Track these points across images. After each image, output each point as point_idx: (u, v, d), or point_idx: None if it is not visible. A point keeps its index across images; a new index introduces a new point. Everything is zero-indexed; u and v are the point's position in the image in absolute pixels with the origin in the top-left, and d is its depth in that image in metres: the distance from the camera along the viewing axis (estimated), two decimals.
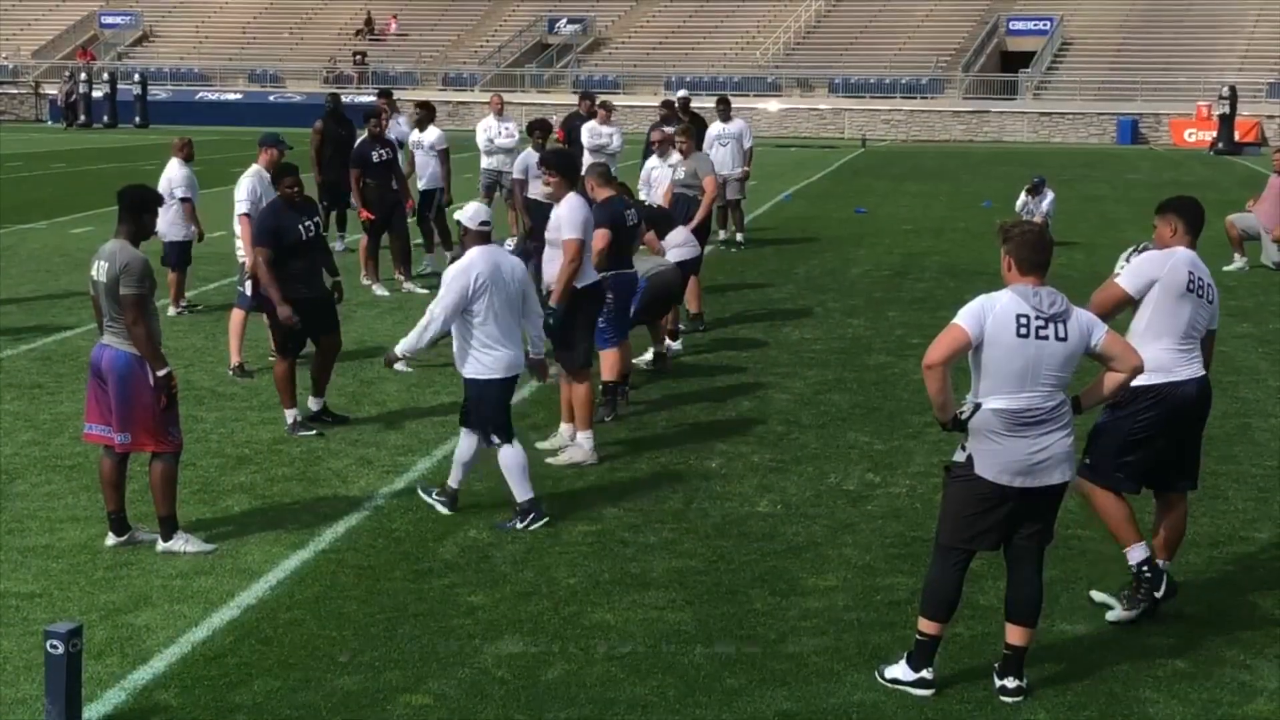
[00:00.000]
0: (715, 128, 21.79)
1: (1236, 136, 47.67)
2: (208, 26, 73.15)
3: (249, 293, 12.48)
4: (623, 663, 7.00)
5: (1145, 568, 7.50)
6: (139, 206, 8.58)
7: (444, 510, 9.23)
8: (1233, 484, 9.99)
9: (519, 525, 8.98)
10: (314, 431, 11.14)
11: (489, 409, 9.09)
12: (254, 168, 13.39)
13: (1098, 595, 7.82)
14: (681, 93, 23.91)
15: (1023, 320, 6.43)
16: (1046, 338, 6.44)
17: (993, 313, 6.46)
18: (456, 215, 9.39)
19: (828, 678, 6.84)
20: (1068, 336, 6.47)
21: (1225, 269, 19.33)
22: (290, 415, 11.18)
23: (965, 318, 6.51)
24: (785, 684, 6.78)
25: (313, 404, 11.45)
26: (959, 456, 6.65)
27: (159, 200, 9.04)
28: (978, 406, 6.52)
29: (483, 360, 9.03)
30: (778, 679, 6.83)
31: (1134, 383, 7.06)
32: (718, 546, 8.71)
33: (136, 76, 59.42)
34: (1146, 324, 7.47)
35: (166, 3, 75.32)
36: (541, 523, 8.98)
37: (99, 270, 8.48)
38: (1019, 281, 6.54)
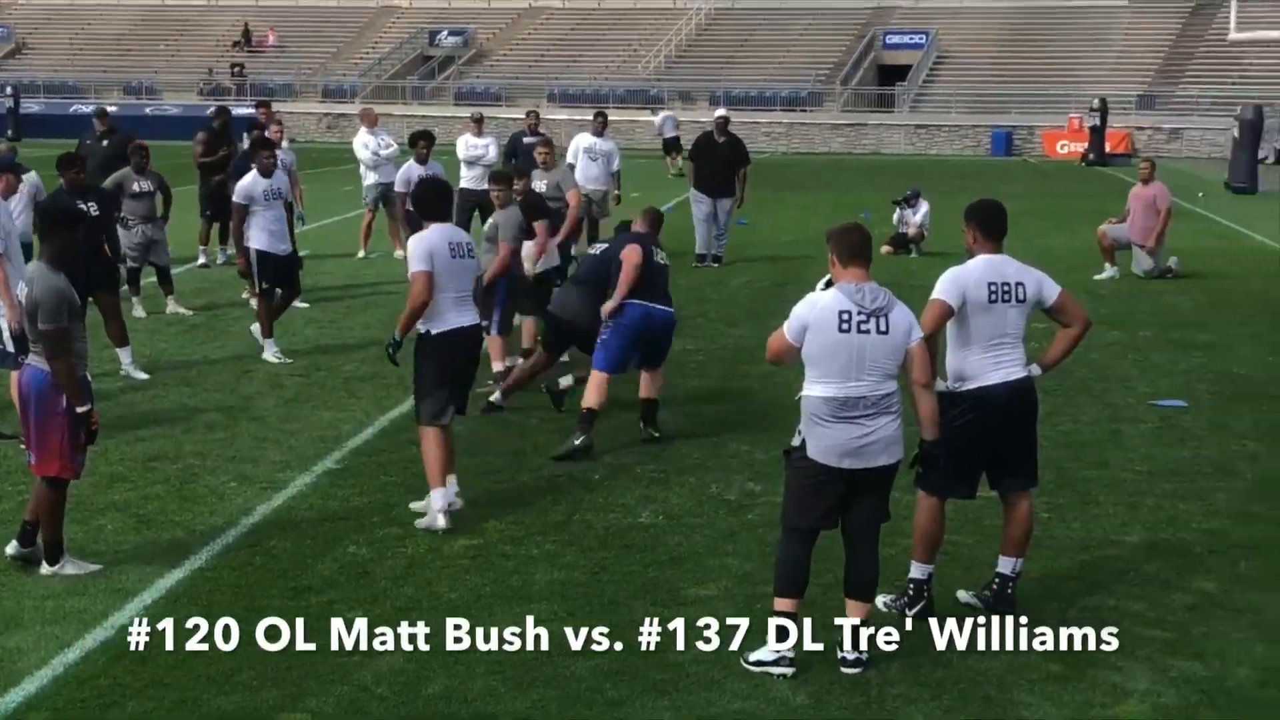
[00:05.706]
0: (584, 139, 20.93)
1: (1107, 148, 48.63)
2: (82, 38, 71.89)
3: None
4: (504, 677, 6.98)
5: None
6: (54, 223, 8.38)
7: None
8: (1103, 489, 10.18)
9: None
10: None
11: None
12: None
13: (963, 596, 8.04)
14: (720, 112, 23.61)
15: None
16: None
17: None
18: None
19: (708, 687, 6.88)
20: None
21: (1096, 278, 20.07)
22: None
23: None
24: (666, 694, 6.80)
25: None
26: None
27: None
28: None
29: None
30: (658, 689, 6.86)
31: (950, 389, 7.56)
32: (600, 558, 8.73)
33: (9, 89, 58.09)
34: (956, 334, 7.69)
35: (39, 15, 73.90)
36: None
37: (22, 291, 8.30)
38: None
